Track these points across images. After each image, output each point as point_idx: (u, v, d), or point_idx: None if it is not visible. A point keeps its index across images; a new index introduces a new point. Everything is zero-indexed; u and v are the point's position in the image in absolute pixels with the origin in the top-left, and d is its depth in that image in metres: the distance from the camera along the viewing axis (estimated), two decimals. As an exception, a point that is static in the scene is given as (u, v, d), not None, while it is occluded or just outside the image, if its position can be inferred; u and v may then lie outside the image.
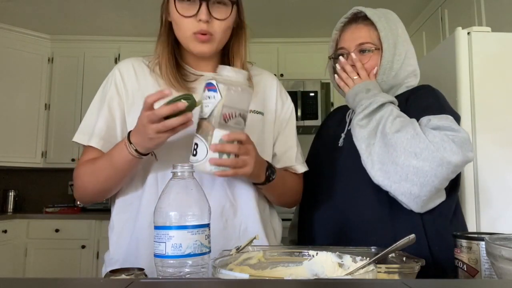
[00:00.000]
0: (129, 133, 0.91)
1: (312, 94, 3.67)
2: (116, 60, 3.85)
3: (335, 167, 1.14)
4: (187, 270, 0.66)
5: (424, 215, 1.01)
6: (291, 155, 1.14)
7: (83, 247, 3.34)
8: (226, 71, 0.86)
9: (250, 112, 1.01)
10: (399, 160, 0.96)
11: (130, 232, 1.02)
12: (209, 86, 0.84)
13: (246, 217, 1.04)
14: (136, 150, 0.90)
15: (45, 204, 3.71)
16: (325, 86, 3.87)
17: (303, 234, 1.22)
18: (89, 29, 3.73)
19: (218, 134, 0.84)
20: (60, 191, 4.05)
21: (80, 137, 1.03)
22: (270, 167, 1.01)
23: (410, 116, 1.04)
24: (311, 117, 3.66)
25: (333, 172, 1.14)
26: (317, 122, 3.66)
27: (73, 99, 3.81)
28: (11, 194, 3.75)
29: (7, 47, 3.61)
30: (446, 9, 2.87)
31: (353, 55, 1.14)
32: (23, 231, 3.36)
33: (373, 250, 0.84)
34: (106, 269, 1.03)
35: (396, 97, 1.14)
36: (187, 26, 0.98)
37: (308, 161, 1.21)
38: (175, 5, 0.97)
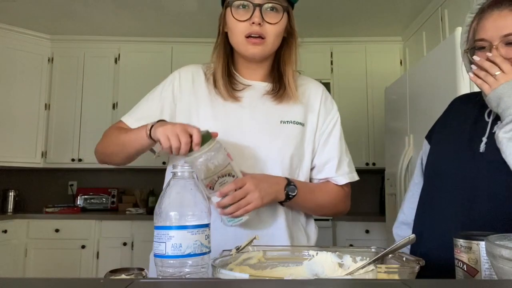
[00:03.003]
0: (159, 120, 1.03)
1: (312, 94, 3.67)
2: (116, 60, 3.84)
3: (472, 175, 0.97)
4: (187, 270, 0.66)
5: None
6: (331, 166, 1.15)
7: (83, 247, 3.34)
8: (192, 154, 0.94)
9: (290, 123, 1.11)
10: None
11: None
12: None
13: (271, 226, 1.09)
14: (150, 130, 0.99)
15: (45, 204, 3.71)
16: (325, 86, 3.85)
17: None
18: (89, 29, 3.73)
19: (214, 199, 0.97)
20: (60, 191, 4.05)
21: (126, 118, 1.15)
22: (289, 185, 1.04)
23: None
24: (311, 117, 3.66)
25: (470, 181, 0.97)
26: (317, 122, 3.66)
27: (73, 99, 3.81)
28: (11, 194, 3.75)
29: (7, 47, 3.61)
30: (446, 9, 2.87)
31: (491, 53, 0.94)
32: (23, 231, 3.36)
33: (373, 250, 0.84)
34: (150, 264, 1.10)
35: None
36: (241, 30, 1.06)
37: (433, 158, 1.08)
38: (231, 12, 1.06)
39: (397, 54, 3.82)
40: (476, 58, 0.96)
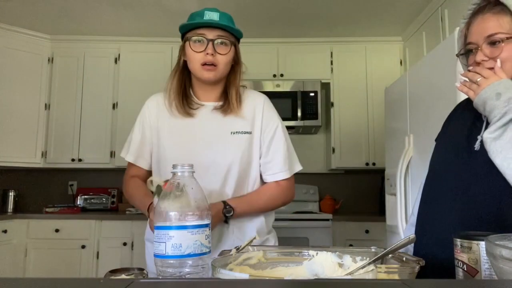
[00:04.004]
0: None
1: (312, 94, 3.67)
2: (116, 60, 3.84)
3: (468, 174, 1.00)
4: (187, 270, 0.66)
5: None
6: (273, 165, 1.39)
7: (83, 247, 3.34)
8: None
9: (239, 133, 1.35)
10: None
11: None
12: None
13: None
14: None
15: (45, 204, 3.71)
16: (325, 86, 3.87)
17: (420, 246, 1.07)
18: (89, 29, 3.73)
19: None
20: (60, 191, 4.05)
21: (123, 152, 1.45)
22: (225, 207, 1.27)
23: None
24: (311, 117, 3.66)
25: (465, 179, 1.00)
26: (317, 122, 3.66)
27: (73, 99, 3.81)
28: (11, 194, 3.75)
29: (7, 47, 3.61)
30: (446, 9, 2.87)
31: (477, 55, 1.01)
32: (23, 231, 3.36)
33: (373, 250, 0.84)
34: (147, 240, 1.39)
35: None
36: (197, 59, 1.31)
37: (434, 157, 1.13)
38: (190, 45, 1.32)
39: (397, 54, 3.82)
40: (460, 73, 1.05)
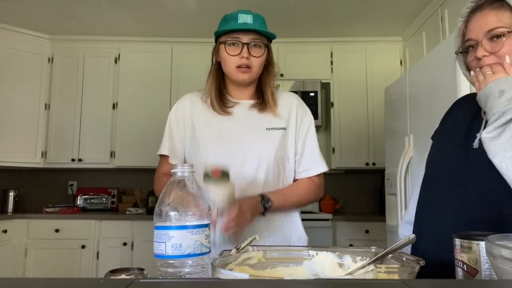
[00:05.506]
0: None
1: (312, 94, 3.67)
2: (116, 60, 3.84)
3: (465, 173, 0.99)
4: (187, 270, 0.66)
5: None
6: (307, 160, 1.44)
7: (83, 247, 3.35)
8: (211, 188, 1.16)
9: (274, 129, 1.40)
10: None
11: None
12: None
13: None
14: None
15: (45, 204, 3.71)
16: (325, 86, 3.87)
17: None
18: (89, 29, 3.73)
19: (220, 222, 1.15)
20: (60, 191, 4.05)
21: (162, 150, 1.45)
22: (263, 199, 1.30)
23: None
24: (311, 117, 3.65)
25: (462, 178, 0.99)
26: (317, 122, 3.66)
27: (73, 99, 3.81)
28: (11, 194, 3.74)
29: (7, 47, 3.61)
30: (446, 9, 2.87)
31: (478, 51, 0.99)
32: (23, 231, 3.36)
33: (373, 250, 0.84)
34: None
35: None
36: (233, 62, 1.36)
37: (431, 155, 1.13)
38: (225, 48, 1.36)
39: (397, 54, 3.82)
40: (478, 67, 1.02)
